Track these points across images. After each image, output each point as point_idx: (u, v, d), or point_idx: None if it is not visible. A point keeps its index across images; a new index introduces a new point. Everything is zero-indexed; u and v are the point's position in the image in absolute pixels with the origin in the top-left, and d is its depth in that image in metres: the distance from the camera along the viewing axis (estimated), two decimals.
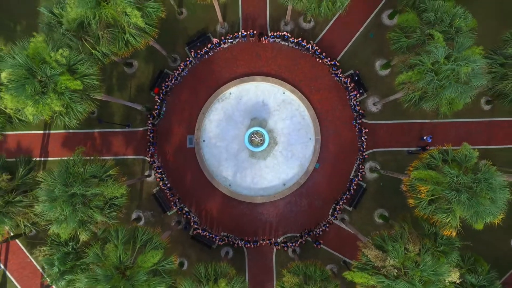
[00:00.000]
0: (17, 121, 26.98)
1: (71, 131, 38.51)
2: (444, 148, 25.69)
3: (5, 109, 24.13)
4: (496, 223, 24.24)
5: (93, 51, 27.19)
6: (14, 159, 29.40)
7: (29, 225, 27.69)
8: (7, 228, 26.75)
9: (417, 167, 25.43)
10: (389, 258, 23.69)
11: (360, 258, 25.62)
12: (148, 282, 24.87)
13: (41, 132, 38.51)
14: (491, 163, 24.63)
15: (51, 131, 38.62)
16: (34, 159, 29.98)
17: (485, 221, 23.56)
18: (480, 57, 24.95)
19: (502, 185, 23.28)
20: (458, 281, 23.88)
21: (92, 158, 27.07)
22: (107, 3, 23.72)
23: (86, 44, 26.85)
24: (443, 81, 24.58)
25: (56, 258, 26.90)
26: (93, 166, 25.93)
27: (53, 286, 37.53)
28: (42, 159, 38.22)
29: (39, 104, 21.85)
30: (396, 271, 23.64)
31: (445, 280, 23.59)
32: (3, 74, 21.68)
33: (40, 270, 38.41)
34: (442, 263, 23.60)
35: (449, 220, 23.77)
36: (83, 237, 25.56)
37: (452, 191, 23.23)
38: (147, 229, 26.91)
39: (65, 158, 27.30)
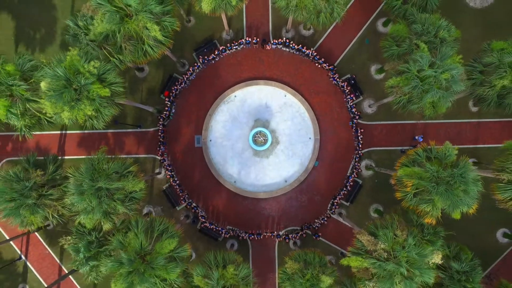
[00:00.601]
0: (46, 122, 30.95)
1: (86, 131, 42.40)
2: (429, 146, 29.67)
3: (44, 114, 28.13)
4: (471, 213, 28.26)
5: (111, 59, 31.17)
6: (42, 158, 33.35)
7: (56, 216, 31.58)
8: (39, 219, 30.59)
9: (404, 163, 29.50)
10: (380, 243, 27.72)
11: (355, 244, 29.66)
12: (166, 266, 28.81)
13: (58, 132, 42.41)
14: (468, 159, 28.52)
15: (68, 132, 42.51)
16: (60, 157, 33.79)
17: (461, 211, 27.55)
18: (460, 65, 28.92)
19: (475, 179, 27.25)
20: (440, 262, 27.87)
21: (114, 156, 31.02)
22: (130, 19, 27.71)
23: (105, 52, 30.89)
24: (425, 86, 28.58)
25: (81, 246, 30.90)
26: (115, 163, 29.90)
27: (70, 277, 41.67)
28: (59, 157, 41.99)
29: (74, 109, 25.84)
30: (386, 254, 27.65)
31: (428, 262, 27.60)
32: (43, 84, 25.66)
33: (58, 261, 42.41)
34: (426, 247, 27.59)
35: (430, 210, 27.83)
36: (106, 226, 29.51)
37: (432, 183, 27.28)
38: (163, 220, 30.88)
39: (89, 156, 31.28)
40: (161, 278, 29.11)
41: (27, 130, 30.33)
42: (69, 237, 32.41)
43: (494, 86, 29.68)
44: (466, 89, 30.66)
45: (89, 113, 26.43)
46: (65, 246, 32.35)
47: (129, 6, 27.14)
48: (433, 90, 28.75)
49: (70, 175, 29.24)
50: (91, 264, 31.24)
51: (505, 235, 41.56)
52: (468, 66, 31.61)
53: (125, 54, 29.08)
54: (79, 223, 31.01)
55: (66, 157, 42.22)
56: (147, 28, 27.83)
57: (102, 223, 29.68)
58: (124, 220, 31.93)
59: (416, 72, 29.41)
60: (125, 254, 27.68)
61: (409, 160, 29.46)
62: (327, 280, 30.34)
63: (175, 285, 29.96)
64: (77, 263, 31.38)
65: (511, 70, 28.60)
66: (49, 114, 26.83)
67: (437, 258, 27.66)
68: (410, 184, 27.87)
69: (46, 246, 42.32)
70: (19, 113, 28.46)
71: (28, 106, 29.02)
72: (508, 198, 27.90)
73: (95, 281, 32.90)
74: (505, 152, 28.78)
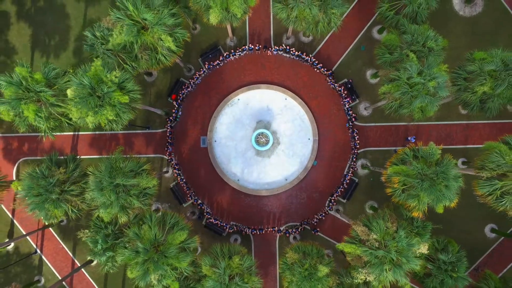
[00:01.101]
0: (66, 125, 34.63)
1: (97, 132, 46.08)
2: (416, 147, 33.43)
3: (65, 116, 31.84)
4: (453, 206, 32.02)
5: (124, 65, 34.88)
6: (62, 157, 37.00)
7: (75, 211, 35.21)
8: (60, 212, 34.21)
9: (394, 162, 33.26)
10: (372, 233, 31.47)
11: (350, 233, 33.43)
12: (177, 256, 32.47)
13: (71, 133, 46.06)
14: (452, 158, 32.28)
15: (80, 133, 46.18)
16: (78, 156, 37.47)
17: (444, 205, 31.27)
18: (445, 73, 32.63)
19: (456, 175, 30.95)
20: (426, 252, 31.59)
21: (129, 156, 34.69)
22: (146, 31, 31.40)
23: (119, 59, 34.61)
24: (414, 92, 32.32)
25: (99, 238, 34.57)
26: (131, 162, 33.57)
27: (83, 270, 45.29)
28: (78, 157, 45.53)
29: (97, 114, 29.57)
30: (377, 243, 31.38)
31: (416, 251, 31.32)
32: (69, 91, 29.38)
33: (71, 255, 46.08)
34: (414, 238, 31.33)
35: (416, 204, 31.59)
36: (123, 219, 33.17)
37: (418, 180, 31.06)
38: (174, 214, 34.56)
39: (105, 156, 34.90)
40: (172, 266, 32.77)
41: (50, 131, 33.95)
42: (87, 231, 36.06)
43: (476, 92, 33.39)
44: (452, 94, 34.43)
45: (110, 117, 30.15)
46: (83, 239, 35.97)
47: (145, 19, 30.84)
48: (421, 96, 32.45)
49: (90, 173, 32.89)
50: (107, 254, 34.89)
51: (492, 230, 45.28)
52: (453, 73, 35.31)
53: (141, 63, 32.77)
54: (97, 217, 34.68)
55: (78, 157, 45.77)
56: (161, 39, 31.54)
57: (119, 217, 33.29)
58: (137, 215, 35.58)
59: (406, 80, 33.09)
60: (141, 243, 31.33)
61: (398, 159, 33.22)
62: (324, 270, 33.95)
63: (185, 273, 33.66)
64: (95, 253, 34.99)
65: (490, 77, 32.32)
66: (75, 118, 30.49)
67: (423, 249, 31.36)
68: (397, 181, 31.61)
69: (60, 241, 46.00)
70: (44, 117, 32.10)
71: (52, 110, 32.64)
72: (487, 193, 31.58)
73: (111, 271, 36.50)
74: (485, 152, 32.44)
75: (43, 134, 33.90)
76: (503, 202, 31.07)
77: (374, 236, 31.43)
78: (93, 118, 29.82)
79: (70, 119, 33.92)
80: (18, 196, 34.07)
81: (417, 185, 31.11)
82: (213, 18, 33.08)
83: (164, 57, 33.30)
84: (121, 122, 32.13)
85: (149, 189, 34.19)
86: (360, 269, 31.87)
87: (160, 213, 35.24)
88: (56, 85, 32.29)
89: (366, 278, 31.76)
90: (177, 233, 33.22)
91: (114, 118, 30.85)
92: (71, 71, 31.46)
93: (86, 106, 29.40)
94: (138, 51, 32.03)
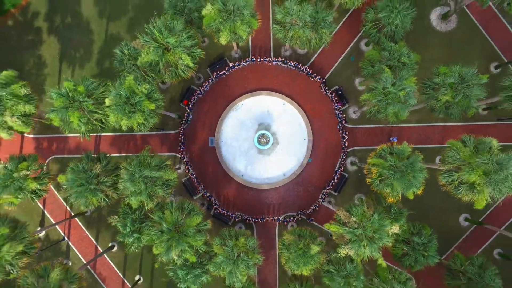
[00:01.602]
0: (99, 128, 43.73)
1: (117, 133, 55.16)
2: (391, 145, 42.59)
3: (99, 121, 41.24)
4: (420, 193, 41.13)
5: (146, 77, 43.99)
6: (95, 155, 46.09)
7: (107, 200, 44.17)
8: (95, 201, 43.22)
9: (373, 156, 42.42)
10: (352, 217, 40.62)
11: (335, 217, 42.53)
12: (194, 235, 41.53)
13: (94, 134, 55.05)
14: (420, 154, 41.40)
15: (102, 134, 55.23)
16: (108, 154, 46.56)
17: (413, 192, 40.41)
18: (414, 85, 41.67)
19: (421, 168, 40.01)
20: (397, 231, 40.67)
21: (154, 154, 43.69)
22: (169, 52, 40.52)
23: (142, 72, 43.72)
24: (388, 100, 41.46)
25: (128, 221, 43.63)
26: (156, 159, 42.64)
27: (105, 255, 54.27)
28: (95, 155, 54.62)
29: (130, 119, 38.74)
30: (356, 225, 40.52)
31: (388, 231, 40.41)
32: (107, 100, 38.52)
33: (94, 242, 55.15)
34: (386, 220, 40.45)
35: (390, 191, 40.72)
36: (150, 205, 42.14)
37: (391, 171, 40.24)
38: (190, 202, 43.64)
39: (136, 154, 44.02)
40: (190, 245, 41.76)
41: (87, 133, 43.06)
42: (116, 217, 45.12)
43: (440, 100, 42.53)
44: (423, 101, 43.68)
45: (140, 121, 39.30)
46: (113, 223, 44.98)
47: (169, 42, 39.95)
48: (394, 103, 41.58)
49: (123, 168, 41.89)
50: (134, 236, 43.94)
51: (466, 219, 54.42)
52: (423, 84, 44.43)
53: (164, 76, 41.91)
54: (126, 204, 43.68)
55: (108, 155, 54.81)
56: (181, 58, 40.67)
57: (145, 204, 42.24)
58: (159, 203, 44.60)
59: (381, 89, 42.21)
60: (166, 224, 40.39)
61: (377, 154, 42.38)
62: (315, 248, 42.94)
63: (199, 251, 42.70)
64: (124, 235, 44.00)
65: (450, 89, 41.41)
66: (112, 122, 39.56)
67: (395, 229, 40.49)
68: (375, 171, 40.80)
69: (85, 230, 55.08)
70: (84, 122, 41.23)
71: (89, 116, 41.71)
72: (448, 183, 40.67)
73: (136, 250, 45.47)
74: (447, 148, 41.52)
75: (81, 135, 42.97)
76: (460, 190, 40.10)
77: (354, 219, 40.55)
78: (126, 122, 38.94)
79: (103, 123, 43.02)
80: (64, 186, 43.17)
81: (391, 176, 40.27)
82: (223, 39, 42.13)
83: (183, 71, 42.39)
84: (148, 125, 41.26)
85: (170, 181, 43.22)
86: (343, 246, 40.95)
87: (178, 201, 44.23)
88: (93, 95, 41.39)
89: (347, 253, 40.81)
90: (194, 217, 42.23)
91: (143, 122, 39.98)
92: (110, 84, 40.49)
93: (122, 112, 38.53)
94: (162, 68, 41.14)
